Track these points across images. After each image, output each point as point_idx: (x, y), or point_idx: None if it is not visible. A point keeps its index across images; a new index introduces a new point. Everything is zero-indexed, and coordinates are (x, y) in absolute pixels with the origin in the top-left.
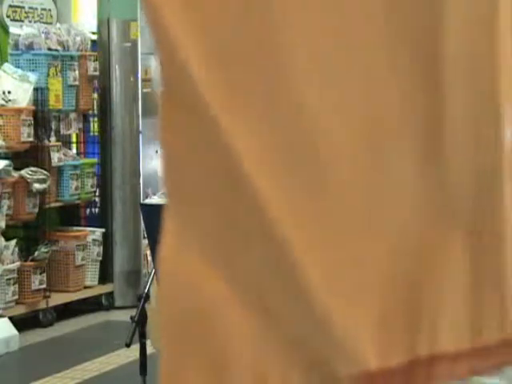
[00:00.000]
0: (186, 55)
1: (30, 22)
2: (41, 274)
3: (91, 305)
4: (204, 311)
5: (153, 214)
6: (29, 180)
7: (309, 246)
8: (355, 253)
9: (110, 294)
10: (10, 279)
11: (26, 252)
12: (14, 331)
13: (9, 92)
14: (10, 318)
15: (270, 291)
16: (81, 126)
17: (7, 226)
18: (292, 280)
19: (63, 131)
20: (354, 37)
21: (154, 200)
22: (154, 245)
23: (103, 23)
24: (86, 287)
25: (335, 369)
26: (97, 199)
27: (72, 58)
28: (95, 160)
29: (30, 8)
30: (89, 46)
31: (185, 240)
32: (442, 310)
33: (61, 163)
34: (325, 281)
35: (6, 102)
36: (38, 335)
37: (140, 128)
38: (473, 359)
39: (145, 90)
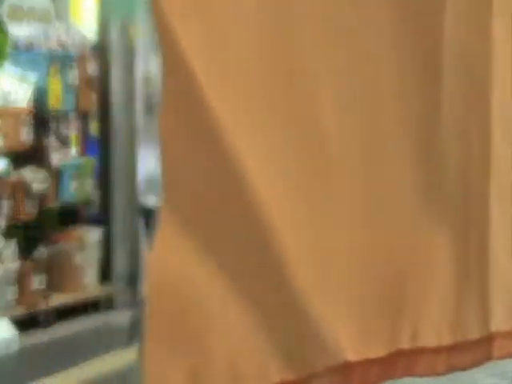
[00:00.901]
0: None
1: (29, 22)
2: (41, 274)
3: (91, 305)
4: (187, 303)
5: (152, 217)
6: (29, 180)
7: (298, 239)
8: (343, 246)
9: (110, 295)
10: (9, 279)
11: (26, 252)
12: (13, 331)
13: (9, 92)
14: (10, 318)
15: (254, 283)
16: (80, 126)
17: (7, 226)
18: (276, 271)
19: (63, 131)
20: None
21: (153, 203)
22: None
23: (103, 23)
24: (85, 287)
25: (312, 361)
26: (96, 199)
27: (72, 58)
28: (95, 160)
29: (30, 8)
30: (89, 46)
31: (176, 236)
32: (425, 307)
33: (61, 163)
34: (308, 273)
35: (6, 102)
36: (37, 335)
37: (140, 128)
38: (453, 354)
39: (145, 90)
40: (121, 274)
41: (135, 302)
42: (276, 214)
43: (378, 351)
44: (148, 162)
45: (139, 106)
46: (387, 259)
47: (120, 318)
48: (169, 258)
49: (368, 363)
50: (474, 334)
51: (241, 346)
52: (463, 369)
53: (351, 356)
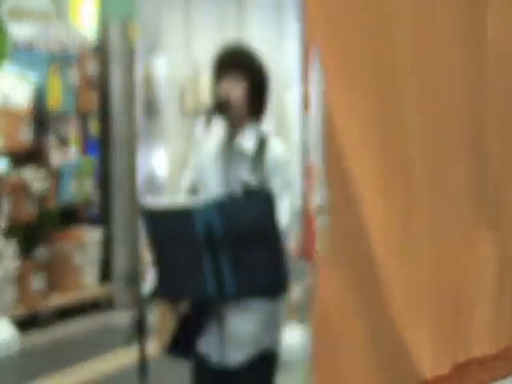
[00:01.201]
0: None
1: (29, 22)
2: (41, 273)
3: (91, 305)
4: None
5: (153, 218)
6: (29, 180)
7: (396, 271)
8: (423, 270)
9: (110, 294)
10: (9, 279)
11: (25, 252)
12: (13, 332)
13: (9, 92)
14: (10, 318)
15: (372, 323)
16: (80, 126)
17: (7, 226)
18: (385, 307)
19: (63, 131)
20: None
21: (154, 204)
22: (153, 247)
23: (103, 24)
24: (85, 287)
25: (405, 381)
26: (96, 199)
27: (72, 58)
28: (95, 160)
29: (30, 8)
30: (88, 46)
31: (338, 279)
32: (474, 316)
33: (61, 163)
34: (403, 301)
35: (6, 102)
36: (37, 335)
37: (140, 128)
38: (495, 364)
39: (145, 90)
40: (120, 274)
41: (135, 302)
42: (388, 254)
43: (444, 367)
44: (148, 162)
45: (139, 106)
46: (450, 277)
47: (120, 317)
48: (332, 307)
49: (438, 380)
50: (509, 341)
51: (367, 379)
52: (504, 377)
53: (428, 374)
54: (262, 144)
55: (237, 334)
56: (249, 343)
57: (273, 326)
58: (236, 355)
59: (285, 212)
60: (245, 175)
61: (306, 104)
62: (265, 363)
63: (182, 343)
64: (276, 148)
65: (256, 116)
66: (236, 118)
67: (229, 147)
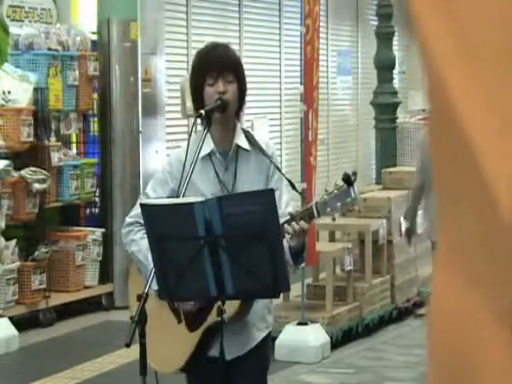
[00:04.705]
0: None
1: (30, 22)
2: (41, 273)
3: (91, 305)
4: (471, 357)
5: (152, 215)
6: (29, 180)
7: None
8: None
9: (110, 294)
10: (9, 279)
11: (25, 252)
12: (14, 331)
13: (9, 92)
14: (10, 318)
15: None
16: (81, 126)
17: (7, 226)
18: None
19: (63, 131)
20: None
21: (154, 200)
22: (153, 244)
23: (103, 23)
24: (85, 287)
25: None
26: (97, 199)
27: (72, 58)
28: (95, 160)
29: (30, 8)
30: (89, 46)
31: (452, 272)
32: None
33: (61, 163)
34: None
35: (6, 101)
36: (37, 335)
37: (140, 128)
38: None
39: (145, 90)
40: (121, 274)
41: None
42: None
43: None
44: (148, 162)
45: (139, 106)
46: None
47: (120, 317)
48: (447, 296)
49: None
50: None
51: None
52: None
53: None
54: (252, 139)
55: (240, 331)
56: (252, 338)
57: (271, 306)
58: (240, 349)
59: (286, 206)
60: (249, 172)
61: (305, 100)
62: (267, 343)
63: (198, 361)
64: (268, 142)
65: (238, 115)
66: (230, 117)
67: (225, 147)
